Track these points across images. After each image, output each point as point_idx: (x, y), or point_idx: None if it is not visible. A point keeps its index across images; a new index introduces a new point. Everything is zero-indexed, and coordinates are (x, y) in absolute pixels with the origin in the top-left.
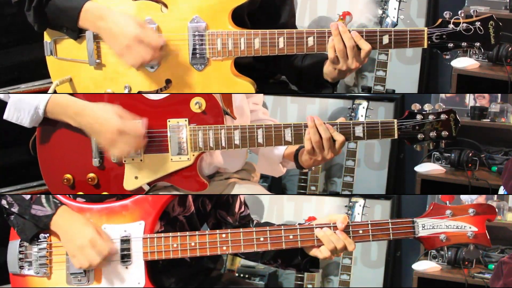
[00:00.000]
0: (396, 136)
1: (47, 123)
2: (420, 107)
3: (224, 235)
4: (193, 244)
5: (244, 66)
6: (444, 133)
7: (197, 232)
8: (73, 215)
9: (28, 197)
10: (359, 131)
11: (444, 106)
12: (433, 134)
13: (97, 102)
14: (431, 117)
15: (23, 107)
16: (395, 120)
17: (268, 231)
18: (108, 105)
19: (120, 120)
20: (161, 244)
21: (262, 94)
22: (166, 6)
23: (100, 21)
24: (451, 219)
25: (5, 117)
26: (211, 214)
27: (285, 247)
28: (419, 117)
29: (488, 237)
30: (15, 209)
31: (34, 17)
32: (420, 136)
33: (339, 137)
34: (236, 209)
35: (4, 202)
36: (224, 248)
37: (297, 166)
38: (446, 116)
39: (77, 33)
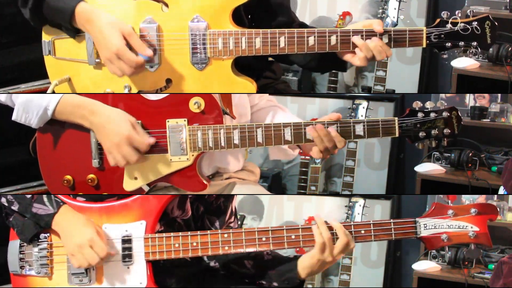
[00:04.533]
0: (397, 134)
1: (47, 124)
2: (422, 104)
3: (226, 235)
4: (194, 244)
5: (244, 65)
6: (446, 131)
7: (198, 232)
8: (74, 214)
9: (29, 195)
10: (359, 129)
11: (445, 104)
12: (434, 132)
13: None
14: (432, 114)
15: (31, 108)
16: (396, 118)
17: (270, 231)
18: (124, 112)
19: (132, 129)
20: (162, 244)
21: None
22: (167, 5)
23: (89, 25)
24: (453, 219)
25: (13, 118)
26: (201, 217)
27: (287, 247)
28: (420, 115)
29: (490, 237)
30: (15, 207)
31: (30, 16)
32: (421, 134)
33: (340, 145)
34: (227, 218)
35: (4, 200)
36: (226, 248)
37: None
38: (448, 114)
39: (74, 32)
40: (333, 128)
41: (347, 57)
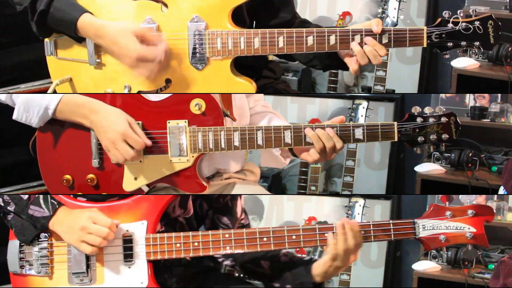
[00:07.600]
0: (396, 139)
1: (47, 124)
2: (421, 109)
3: (227, 235)
4: (196, 244)
5: (243, 65)
6: (445, 136)
7: (200, 232)
8: (71, 215)
9: (25, 197)
10: (359, 133)
11: (444, 109)
12: (433, 137)
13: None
14: (431, 120)
15: (32, 107)
16: (395, 123)
17: (271, 231)
18: (123, 112)
19: (128, 126)
20: (164, 244)
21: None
22: (166, 5)
23: (99, 39)
24: (450, 220)
25: (14, 117)
26: (208, 216)
27: (288, 247)
28: (419, 120)
29: (486, 238)
30: (11, 207)
31: (37, 29)
32: (420, 139)
33: (339, 144)
34: (238, 215)
35: (0, 200)
36: (228, 248)
37: (293, 154)
38: (447, 119)
39: (81, 40)
40: (331, 129)
41: (346, 59)
